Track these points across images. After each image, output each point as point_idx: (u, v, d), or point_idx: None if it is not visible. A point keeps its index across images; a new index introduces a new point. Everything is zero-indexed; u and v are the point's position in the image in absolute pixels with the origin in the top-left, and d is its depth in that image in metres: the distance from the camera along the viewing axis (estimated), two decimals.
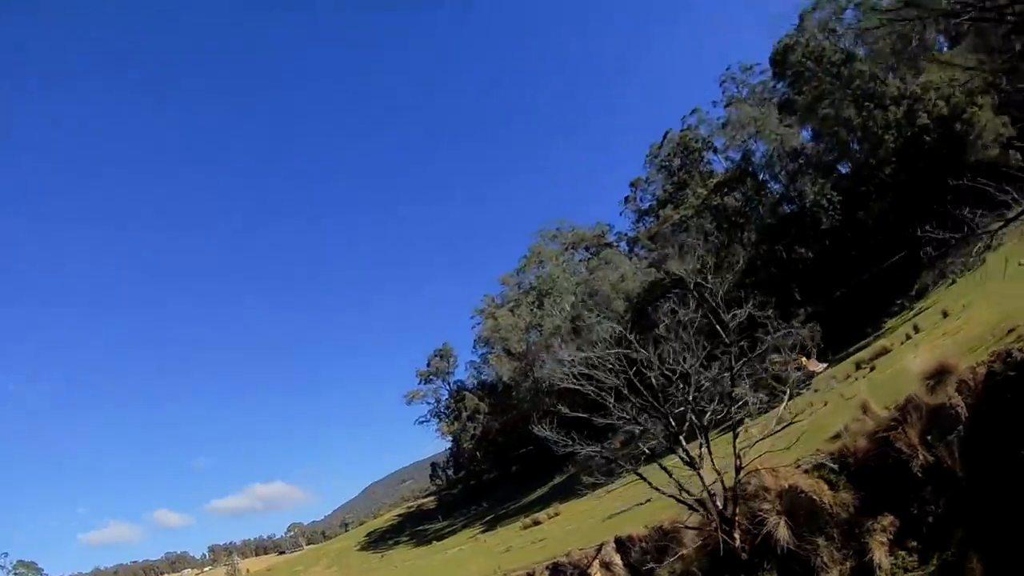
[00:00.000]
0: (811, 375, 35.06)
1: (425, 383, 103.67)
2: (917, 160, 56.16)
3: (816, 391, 30.39)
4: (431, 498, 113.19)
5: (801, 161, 68.47)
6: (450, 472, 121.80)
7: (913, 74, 59.53)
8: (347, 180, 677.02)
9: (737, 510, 16.54)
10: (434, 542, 65.05)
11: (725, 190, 69.42)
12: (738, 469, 16.50)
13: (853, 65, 61.43)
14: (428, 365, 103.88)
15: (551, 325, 71.23)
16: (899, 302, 46.56)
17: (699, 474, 16.97)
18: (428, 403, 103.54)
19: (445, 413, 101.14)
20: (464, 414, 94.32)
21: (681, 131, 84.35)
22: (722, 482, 16.69)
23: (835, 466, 15.76)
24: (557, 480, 68.29)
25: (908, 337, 28.95)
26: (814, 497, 15.41)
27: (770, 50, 67.00)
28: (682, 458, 17.49)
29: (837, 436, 16.47)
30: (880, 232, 59.36)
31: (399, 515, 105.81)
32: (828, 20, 64.32)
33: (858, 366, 31.18)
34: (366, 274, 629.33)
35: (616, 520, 24.15)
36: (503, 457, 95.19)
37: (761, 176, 71.30)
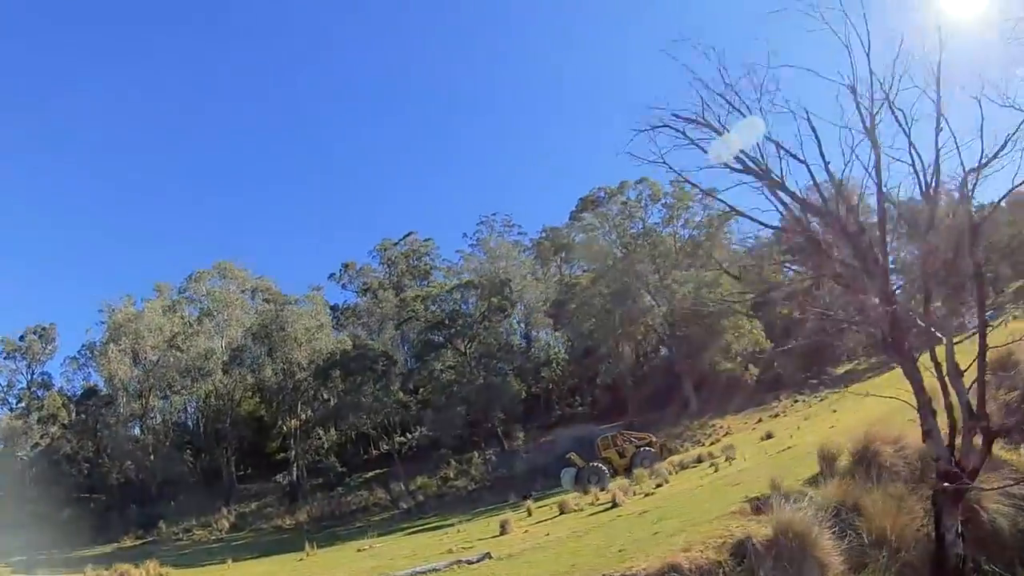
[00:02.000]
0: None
1: (6, 357, 77.44)
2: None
3: None
4: None
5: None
6: None
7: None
8: None
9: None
10: None
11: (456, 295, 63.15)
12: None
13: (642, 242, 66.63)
14: (22, 339, 78.41)
15: (204, 347, 56.48)
16: None
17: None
18: None
19: (11, 404, 75.70)
20: (36, 414, 70.69)
21: (421, 241, 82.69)
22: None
23: None
24: (128, 543, 53.24)
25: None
26: None
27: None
28: None
29: None
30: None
31: None
32: (642, 199, 67.96)
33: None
34: None
35: None
36: (52, 493, 71.84)
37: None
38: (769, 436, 33.41)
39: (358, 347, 57.69)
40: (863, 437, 12.07)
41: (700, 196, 64.13)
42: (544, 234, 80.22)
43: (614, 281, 65.11)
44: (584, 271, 72.50)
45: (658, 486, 23.89)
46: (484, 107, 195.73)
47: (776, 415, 53.97)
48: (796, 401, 60.03)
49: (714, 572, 8.64)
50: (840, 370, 74.59)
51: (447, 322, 58.04)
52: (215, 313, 62.44)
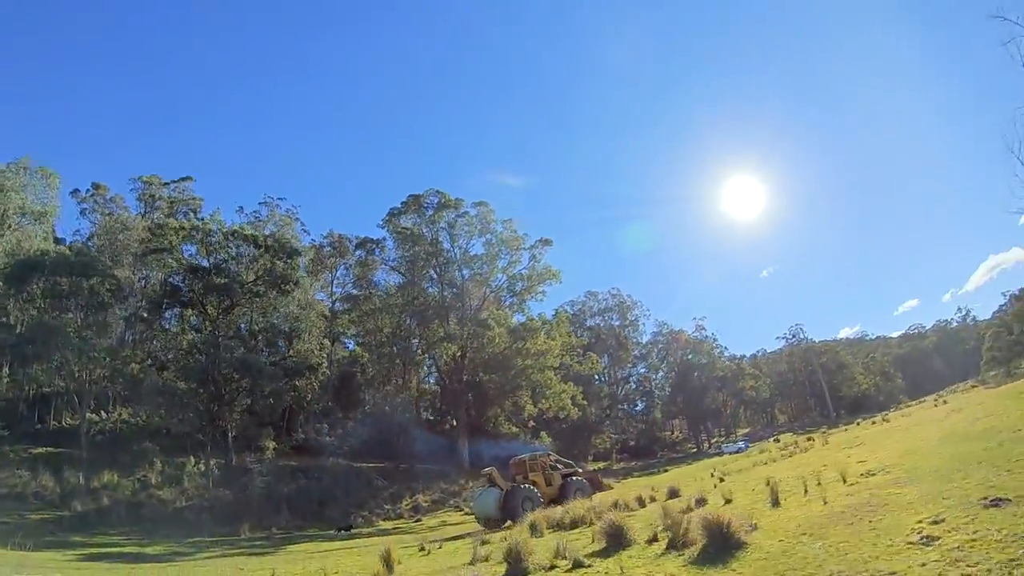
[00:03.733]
0: None
1: None
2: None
3: None
4: None
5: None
6: None
7: None
8: None
9: None
10: None
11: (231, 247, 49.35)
12: None
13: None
14: None
15: None
16: None
17: None
18: None
19: None
20: None
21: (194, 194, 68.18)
22: None
23: None
24: None
25: None
26: None
27: None
28: None
29: None
30: None
31: None
32: (473, 223, 61.07)
33: None
34: None
35: None
36: None
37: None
38: (674, 494, 21.14)
39: (79, 254, 40.26)
40: None
41: (532, 244, 61.03)
42: (327, 238, 68.30)
43: (420, 296, 56.17)
44: (367, 291, 61.30)
45: None
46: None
47: None
48: None
49: None
50: (595, 466, 73.06)
51: (211, 273, 43.51)
52: None
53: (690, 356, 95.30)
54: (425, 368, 61.41)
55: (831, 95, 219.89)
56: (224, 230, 45.53)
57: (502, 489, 26.45)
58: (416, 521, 39.35)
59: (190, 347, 42.46)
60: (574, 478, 29.46)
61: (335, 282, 67.80)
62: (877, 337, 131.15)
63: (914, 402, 66.79)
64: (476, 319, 55.80)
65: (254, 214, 65.48)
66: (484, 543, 14.78)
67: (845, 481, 13.93)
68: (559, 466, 30.63)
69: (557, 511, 17.67)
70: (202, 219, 47.25)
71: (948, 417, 24.17)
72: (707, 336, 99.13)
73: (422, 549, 17.16)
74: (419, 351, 56.72)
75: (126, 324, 46.48)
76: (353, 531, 33.92)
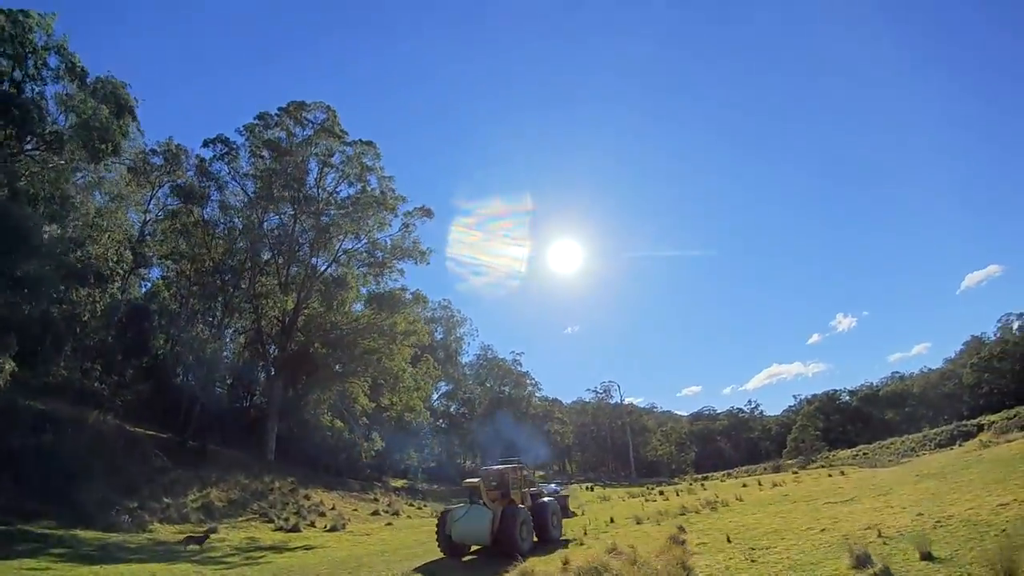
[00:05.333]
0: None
1: None
2: None
3: None
4: None
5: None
6: None
7: None
8: None
9: None
10: None
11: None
12: None
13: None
14: None
15: None
16: None
17: None
18: None
19: None
20: None
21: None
22: None
23: None
24: None
25: None
26: None
27: None
28: None
29: None
30: None
31: None
32: (332, 153, 49.62)
33: None
34: None
35: None
36: None
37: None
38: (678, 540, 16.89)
39: None
40: None
41: (409, 211, 50.57)
42: (162, 145, 51.15)
43: (264, 225, 43.75)
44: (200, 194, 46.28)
45: None
46: None
47: (396, 512, 40.39)
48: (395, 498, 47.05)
49: None
50: (397, 483, 63.33)
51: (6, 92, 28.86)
52: None
53: (506, 389, 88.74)
54: (242, 323, 47.96)
55: (646, 179, 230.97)
56: (52, 42, 30.77)
57: (491, 510, 18.37)
58: (211, 532, 26.28)
59: None
60: (547, 499, 21.27)
61: (153, 202, 51.06)
62: (665, 411, 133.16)
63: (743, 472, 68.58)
64: (329, 274, 44.31)
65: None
66: None
67: None
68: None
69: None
70: (25, 12, 31.15)
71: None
72: (524, 372, 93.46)
73: None
74: (243, 298, 43.41)
75: None
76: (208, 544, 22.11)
